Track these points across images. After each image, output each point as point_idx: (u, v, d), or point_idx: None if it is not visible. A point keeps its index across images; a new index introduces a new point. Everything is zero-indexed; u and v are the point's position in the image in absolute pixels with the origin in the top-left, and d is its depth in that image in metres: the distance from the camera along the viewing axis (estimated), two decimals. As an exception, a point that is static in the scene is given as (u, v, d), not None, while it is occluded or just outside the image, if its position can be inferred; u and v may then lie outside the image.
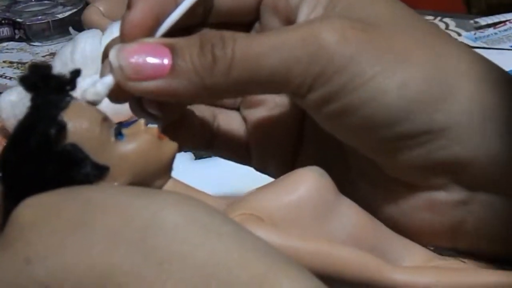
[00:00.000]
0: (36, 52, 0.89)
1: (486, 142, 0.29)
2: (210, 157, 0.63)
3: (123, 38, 0.29)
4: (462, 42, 0.33)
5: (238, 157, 0.36)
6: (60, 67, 0.70)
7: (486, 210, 0.30)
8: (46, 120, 0.28)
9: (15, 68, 0.85)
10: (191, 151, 0.63)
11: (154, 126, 0.30)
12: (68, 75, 0.29)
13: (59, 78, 0.29)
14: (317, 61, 0.28)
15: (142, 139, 0.29)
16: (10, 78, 0.82)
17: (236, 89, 0.30)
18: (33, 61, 0.87)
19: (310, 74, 0.29)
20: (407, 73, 0.29)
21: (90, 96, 0.29)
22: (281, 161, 0.35)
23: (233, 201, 0.31)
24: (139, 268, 0.23)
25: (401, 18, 0.30)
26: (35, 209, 0.25)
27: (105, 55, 0.31)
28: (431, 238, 0.32)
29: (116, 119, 0.69)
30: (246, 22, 0.33)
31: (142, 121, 0.30)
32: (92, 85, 0.29)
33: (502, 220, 0.30)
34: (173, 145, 0.30)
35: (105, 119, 0.29)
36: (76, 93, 0.29)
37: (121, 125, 0.29)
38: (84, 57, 0.68)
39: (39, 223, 0.25)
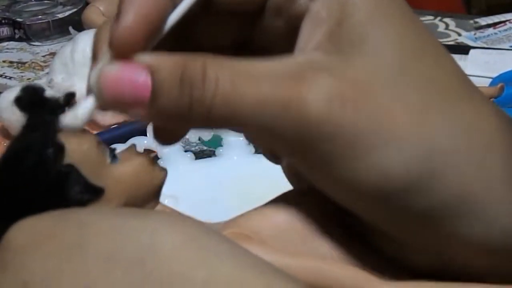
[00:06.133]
0: (36, 52, 0.89)
1: (465, 229, 0.28)
2: (210, 157, 0.63)
3: (114, 53, 0.27)
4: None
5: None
6: (60, 67, 0.70)
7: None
8: (44, 140, 0.28)
9: (15, 67, 0.85)
10: (191, 151, 0.63)
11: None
12: (62, 98, 0.29)
13: (54, 100, 0.29)
14: (297, 132, 0.27)
15: (136, 162, 0.30)
16: (10, 78, 0.82)
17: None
18: (32, 60, 0.87)
19: (289, 141, 0.27)
20: (387, 158, 0.27)
21: (68, 121, 0.28)
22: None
23: (223, 225, 0.31)
24: None
25: (410, 70, 0.28)
26: (28, 232, 0.25)
27: (94, 53, 0.30)
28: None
29: (114, 120, 0.69)
30: (252, 13, 0.31)
31: (134, 145, 0.31)
32: (72, 109, 0.28)
33: None
34: (163, 170, 0.31)
35: (100, 142, 0.29)
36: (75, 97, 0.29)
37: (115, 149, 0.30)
38: (84, 57, 0.68)
39: (32, 246, 0.25)
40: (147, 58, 0.27)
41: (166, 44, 0.28)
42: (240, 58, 0.28)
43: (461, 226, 0.28)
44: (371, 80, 0.27)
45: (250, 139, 0.35)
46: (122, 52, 0.27)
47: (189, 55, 0.28)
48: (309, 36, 0.28)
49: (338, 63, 0.28)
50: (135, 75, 0.27)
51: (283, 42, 0.30)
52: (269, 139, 0.28)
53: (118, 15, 0.28)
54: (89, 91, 0.28)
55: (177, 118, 0.27)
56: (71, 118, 0.28)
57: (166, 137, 0.32)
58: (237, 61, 0.28)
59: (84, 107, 0.28)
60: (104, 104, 0.27)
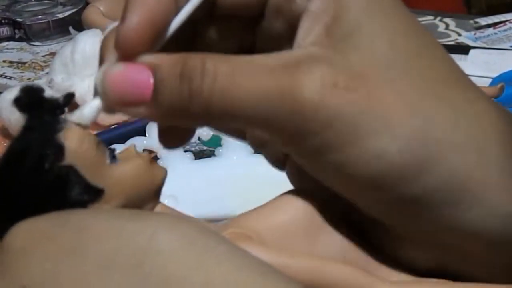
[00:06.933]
0: (36, 52, 0.89)
1: (462, 216, 0.28)
2: (210, 157, 0.63)
3: (119, 54, 0.28)
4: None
5: (235, 136, 0.36)
6: (60, 67, 0.70)
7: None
8: (43, 141, 0.28)
9: (15, 67, 0.85)
10: (191, 151, 0.63)
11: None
12: (61, 98, 0.29)
13: (53, 101, 0.29)
14: (293, 120, 0.27)
15: (136, 163, 0.30)
16: (10, 78, 0.82)
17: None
18: (32, 60, 0.87)
19: (286, 131, 0.28)
20: (381, 144, 0.27)
21: (76, 120, 0.29)
22: (273, 151, 0.35)
23: (223, 225, 0.31)
24: None
25: (402, 61, 0.28)
26: (27, 235, 0.25)
27: (101, 56, 0.30)
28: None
29: (114, 120, 0.69)
30: (252, 16, 0.31)
31: (133, 146, 0.31)
32: (80, 109, 0.29)
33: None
34: (163, 169, 0.31)
35: (100, 142, 0.29)
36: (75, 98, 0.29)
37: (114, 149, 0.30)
38: (84, 57, 0.68)
39: (32, 250, 0.25)
40: (149, 57, 0.28)
41: (170, 51, 0.28)
42: (239, 55, 0.28)
43: (460, 212, 0.28)
44: (365, 70, 0.28)
45: (249, 136, 0.35)
46: (127, 53, 0.28)
47: (189, 53, 0.28)
48: (307, 32, 0.29)
49: (333, 55, 0.28)
50: (137, 74, 0.27)
51: (283, 45, 0.30)
52: (267, 130, 0.29)
53: (123, 17, 0.28)
54: (95, 92, 0.29)
55: (178, 114, 0.28)
56: (77, 117, 0.29)
57: (171, 140, 0.32)
58: (236, 57, 0.28)
59: (91, 106, 0.28)
60: (108, 103, 0.28)
